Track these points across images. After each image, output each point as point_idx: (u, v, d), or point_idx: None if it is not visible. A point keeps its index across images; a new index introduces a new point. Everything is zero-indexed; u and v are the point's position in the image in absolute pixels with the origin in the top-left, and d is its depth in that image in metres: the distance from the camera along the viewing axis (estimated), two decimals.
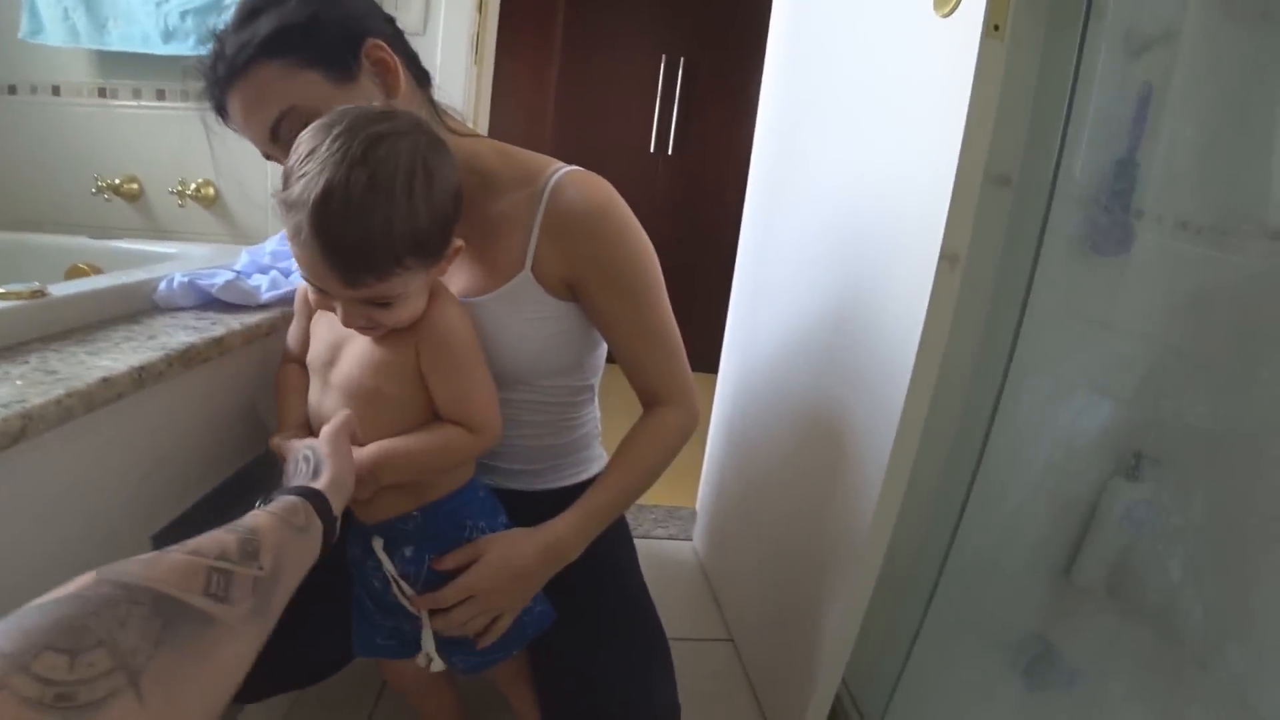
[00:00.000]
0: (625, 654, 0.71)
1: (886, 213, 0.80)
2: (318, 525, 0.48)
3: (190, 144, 1.31)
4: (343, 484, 0.54)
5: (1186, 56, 0.79)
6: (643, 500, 1.72)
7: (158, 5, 1.21)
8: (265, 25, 0.60)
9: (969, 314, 0.76)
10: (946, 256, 0.68)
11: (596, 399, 0.84)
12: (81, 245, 1.20)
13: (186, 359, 0.64)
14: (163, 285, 0.78)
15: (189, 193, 1.30)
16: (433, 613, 0.65)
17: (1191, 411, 0.74)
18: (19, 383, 0.53)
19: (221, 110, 0.64)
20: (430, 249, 0.56)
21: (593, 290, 0.68)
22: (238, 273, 0.82)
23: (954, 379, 0.80)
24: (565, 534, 0.67)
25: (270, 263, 0.89)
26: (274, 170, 0.59)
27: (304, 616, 0.71)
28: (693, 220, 2.91)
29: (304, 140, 0.53)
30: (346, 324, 0.57)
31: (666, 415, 0.72)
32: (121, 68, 1.30)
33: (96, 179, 1.31)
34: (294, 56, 0.60)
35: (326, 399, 0.65)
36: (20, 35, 1.27)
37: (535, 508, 0.71)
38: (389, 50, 0.65)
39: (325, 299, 0.57)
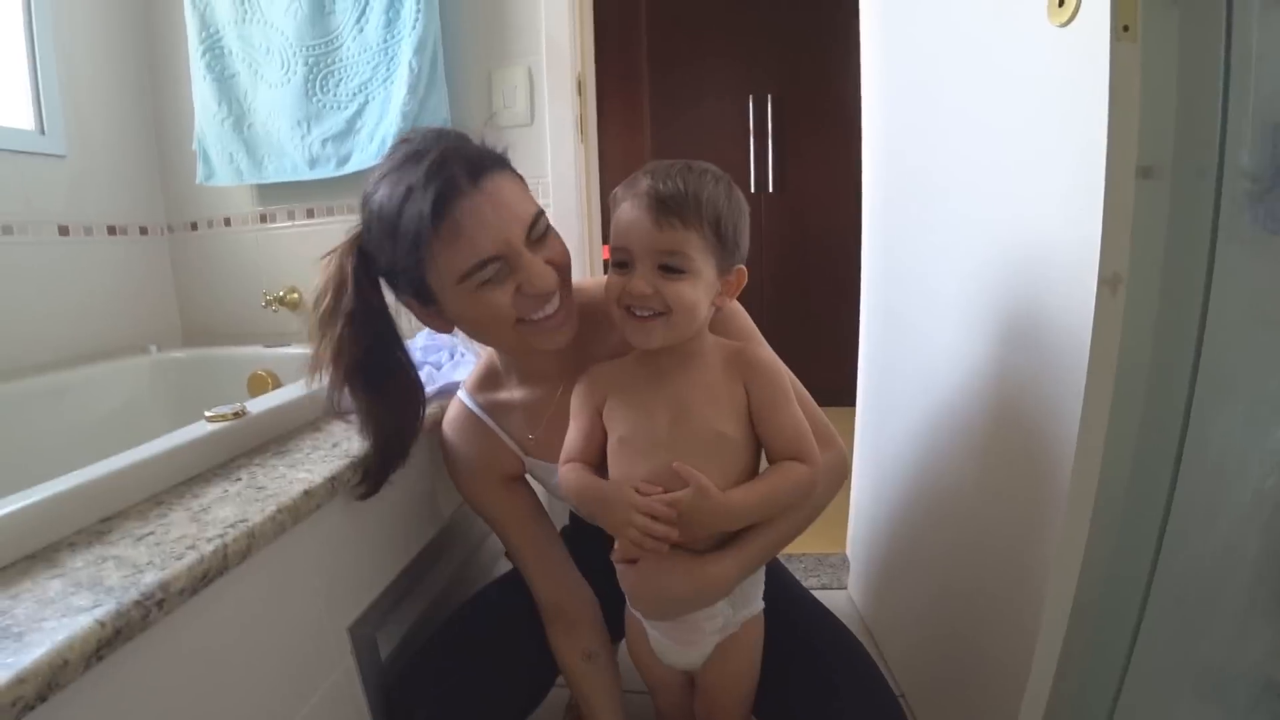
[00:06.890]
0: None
1: (1033, 239, 0.75)
2: None
3: None
4: None
5: None
6: (788, 549, 1.68)
7: (302, 139, 1.38)
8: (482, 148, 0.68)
9: (1138, 330, 0.69)
10: (1106, 281, 0.62)
11: None
12: (257, 354, 1.37)
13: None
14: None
15: None
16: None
17: None
18: (238, 500, 0.61)
19: (440, 211, 0.61)
20: (725, 242, 0.64)
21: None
22: None
23: (1133, 393, 0.72)
24: (731, 570, 0.68)
25: (421, 358, 0.97)
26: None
27: (510, 651, 0.76)
28: (804, 256, 2.87)
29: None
30: (635, 290, 0.62)
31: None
32: (277, 196, 1.50)
33: (264, 293, 1.50)
34: (515, 174, 0.69)
35: (663, 459, 0.65)
36: (198, 181, 1.50)
37: None
38: None
39: (622, 278, 0.63)
